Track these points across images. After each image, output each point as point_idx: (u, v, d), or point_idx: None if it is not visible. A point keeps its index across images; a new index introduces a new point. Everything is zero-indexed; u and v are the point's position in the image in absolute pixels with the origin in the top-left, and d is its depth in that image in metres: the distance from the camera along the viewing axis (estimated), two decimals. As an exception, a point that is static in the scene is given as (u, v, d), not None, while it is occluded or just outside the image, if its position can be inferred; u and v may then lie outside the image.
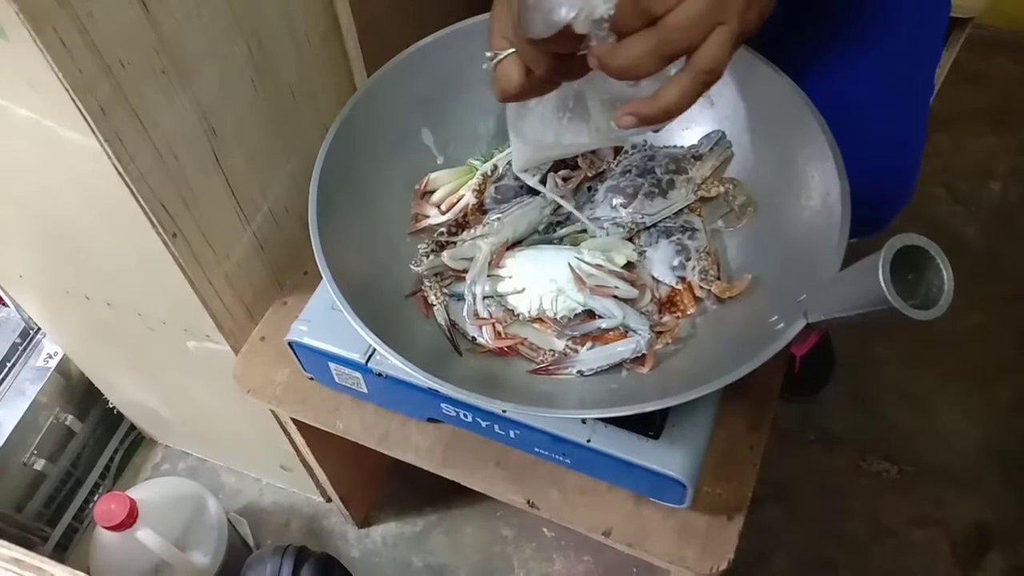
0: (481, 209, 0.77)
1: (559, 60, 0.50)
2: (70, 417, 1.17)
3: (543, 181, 0.74)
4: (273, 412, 0.91)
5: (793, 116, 0.67)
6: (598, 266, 0.69)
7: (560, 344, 0.69)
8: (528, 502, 0.73)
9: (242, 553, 1.10)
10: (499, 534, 1.21)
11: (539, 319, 0.70)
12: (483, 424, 0.71)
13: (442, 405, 0.72)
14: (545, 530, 1.20)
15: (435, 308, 0.71)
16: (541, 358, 0.68)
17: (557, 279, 0.69)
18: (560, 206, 0.74)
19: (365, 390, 0.76)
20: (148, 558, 0.98)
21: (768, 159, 0.72)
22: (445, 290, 0.72)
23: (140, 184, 0.66)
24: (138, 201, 0.67)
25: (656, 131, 0.75)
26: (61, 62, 0.55)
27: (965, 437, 1.26)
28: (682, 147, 0.77)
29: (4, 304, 1.10)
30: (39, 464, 1.13)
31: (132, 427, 1.30)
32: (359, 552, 1.21)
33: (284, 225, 0.88)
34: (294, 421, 0.89)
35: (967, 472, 1.23)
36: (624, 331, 0.68)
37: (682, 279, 0.70)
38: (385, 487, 1.24)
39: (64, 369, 1.13)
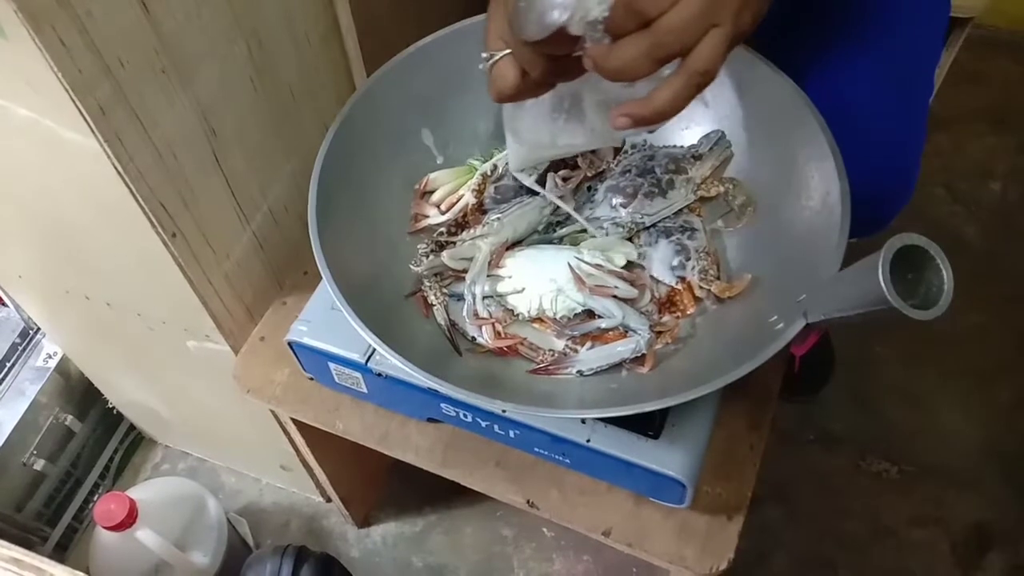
0: (481, 209, 0.77)
1: (554, 61, 0.50)
2: (70, 417, 1.17)
3: (541, 181, 0.74)
4: (273, 412, 0.91)
5: (793, 116, 0.67)
6: (598, 266, 0.69)
7: (560, 344, 0.69)
8: (528, 502, 0.73)
9: (242, 553, 1.10)
10: (499, 534, 1.21)
11: (539, 319, 0.70)
12: (483, 424, 0.71)
13: (442, 405, 0.72)
14: (545, 530, 1.20)
15: (435, 308, 0.71)
16: (541, 358, 0.68)
17: (557, 279, 0.69)
18: (560, 206, 0.74)
19: (365, 390, 0.76)
20: (148, 558, 0.98)
21: (768, 159, 0.72)
22: (445, 290, 0.72)
23: (140, 184, 0.66)
24: (137, 201, 0.67)
25: (651, 132, 0.76)
26: (60, 62, 0.55)
27: (965, 437, 1.26)
28: (682, 147, 0.77)
29: (4, 304, 1.10)
30: (39, 464, 1.13)
31: (132, 427, 1.30)
32: (359, 552, 1.21)
33: (284, 225, 0.88)
34: (294, 421, 0.89)
35: (967, 472, 1.23)
36: (624, 331, 0.68)
37: (682, 279, 0.70)
38: (385, 487, 1.24)
39: (64, 369, 1.13)
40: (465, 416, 0.71)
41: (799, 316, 0.57)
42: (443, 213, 0.77)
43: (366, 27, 0.87)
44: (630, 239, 0.74)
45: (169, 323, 0.88)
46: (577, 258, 0.70)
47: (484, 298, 0.70)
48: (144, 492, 1.02)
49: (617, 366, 0.66)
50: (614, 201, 0.73)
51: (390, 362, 0.61)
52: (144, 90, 0.64)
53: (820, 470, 1.24)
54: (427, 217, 0.77)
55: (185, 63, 0.67)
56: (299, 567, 0.98)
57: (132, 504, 0.92)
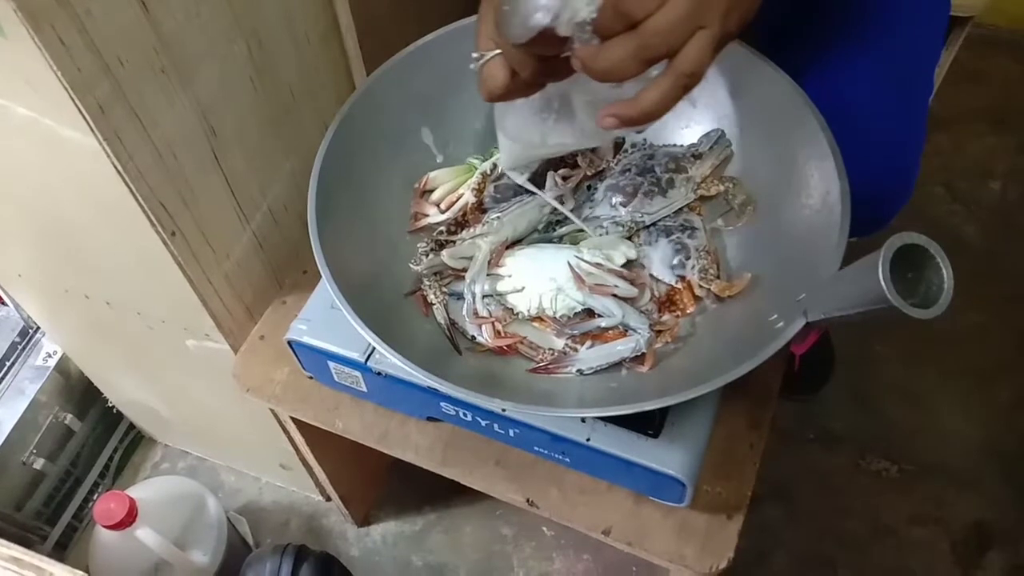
0: (480, 208, 0.77)
1: (544, 62, 0.51)
2: (69, 416, 1.17)
3: (542, 180, 0.74)
4: (272, 411, 0.91)
5: (793, 115, 0.67)
6: (597, 265, 0.69)
7: (560, 343, 0.69)
8: (528, 501, 0.73)
9: (242, 552, 1.10)
10: (499, 533, 1.21)
11: (539, 318, 0.70)
12: (483, 423, 0.71)
13: (441, 404, 0.72)
14: (545, 529, 1.20)
15: (434, 307, 0.71)
16: (541, 357, 0.68)
17: (557, 278, 0.69)
18: (562, 204, 0.74)
19: (364, 389, 0.76)
20: (148, 557, 0.98)
21: (768, 158, 0.72)
22: (444, 289, 0.72)
23: (139, 183, 0.66)
24: (137, 200, 0.67)
25: (639, 132, 0.76)
26: (60, 61, 0.55)
27: (965, 436, 1.26)
28: (682, 146, 0.77)
29: (3, 303, 1.10)
30: (38, 463, 1.13)
31: (131, 426, 1.30)
32: (359, 551, 1.21)
33: (283, 224, 0.88)
34: (293, 420, 0.89)
35: (967, 471, 1.23)
36: (624, 330, 0.68)
37: (681, 278, 0.70)
38: (385, 486, 1.24)
39: (63, 368, 1.13)
40: (465, 415, 0.71)
41: (799, 315, 0.57)
42: (443, 212, 0.77)
43: (366, 26, 0.87)
44: (630, 238, 0.74)
45: (169, 322, 0.88)
46: (577, 257, 0.70)
47: (484, 297, 0.70)
48: (144, 491, 1.02)
49: (617, 365, 0.66)
50: (614, 200, 0.73)
51: (390, 361, 0.61)
52: (144, 89, 0.64)
53: (820, 469, 1.24)
54: (427, 216, 0.77)
55: (185, 62, 0.67)
56: (299, 566, 0.98)
57: (132, 503, 0.92)
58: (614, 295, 0.68)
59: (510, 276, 0.71)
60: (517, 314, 0.70)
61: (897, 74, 0.76)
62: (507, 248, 0.73)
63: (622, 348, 0.66)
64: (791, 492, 1.21)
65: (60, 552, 1.21)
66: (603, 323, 0.68)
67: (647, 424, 0.66)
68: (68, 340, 1.10)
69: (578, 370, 0.66)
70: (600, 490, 0.72)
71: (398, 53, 0.76)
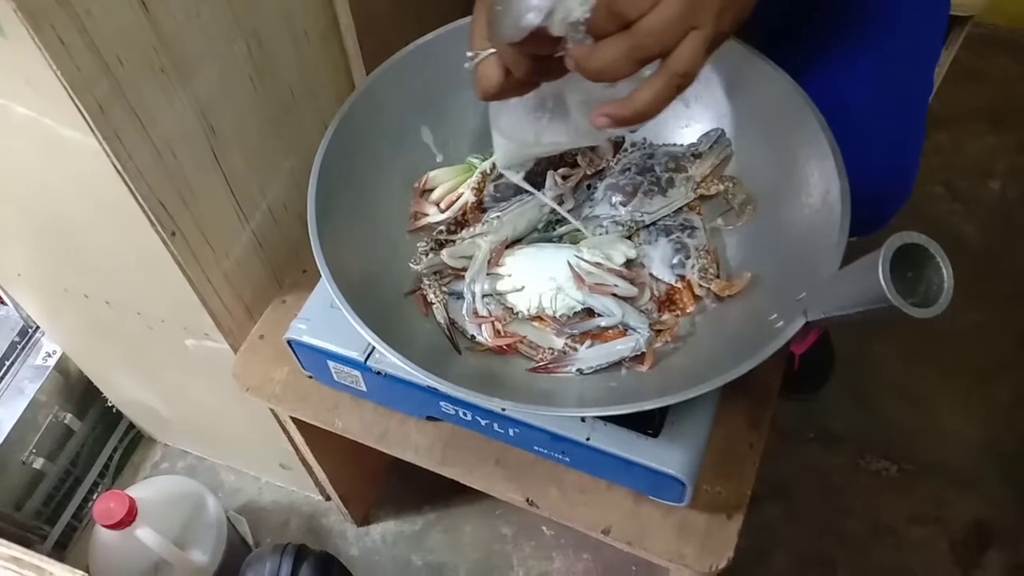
0: (480, 207, 0.77)
1: (538, 61, 0.51)
2: (69, 415, 1.17)
3: (541, 179, 0.74)
4: (272, 410, 0.91)
5: (793, 115, 0.67)
6: (597, 264, 0.69)
7: (559, 342, 0.69)
8: (527, 500, 0.73)
9: (241, 551, 1.10)
10: (498, 532, 1.21)
11: (538, 317, 0.70)
12: (482, 422, 0.71)
13: (441, 403, 0.71)
14: (544, 528, 1.20)
15: (434, 306, 0.71)
16: (540, 356, 0.68)
17: (556, 277, 0.69)
18: (561, 203, 0.74)
19: (364, 388, 0.76)
20: (147, 556, 0.98)
21: (768, 157, 0.72)
22: (444, 288, 0.72)
23: (139, 182, 0.66)
24: (137, 199, 0.67)
25: (632, 131, 0.76)
26: (59, 60, 0.55)
27: (965, 435, 1.26)
28: (682, 145, 0.77)
29: (3, 302, 1.10)
30: (38, 462, 1.13)
31: (131, 425, 1.30)
32: (358, 550, 1.21)
33: (283, 223, 0.88)
34: (293, 419, 0.89)
35: (967, 470, 1.23)
36: (623, 329, 0.68)
37: (681, 277, 0.70)
38: (384, 485, 1.24)
39: (63, 367, 1.13)
40: (464, 414, 0.71)
41: (799, 314, 0.57)
42: (443, 211, 0.77)
43: (365, 25, 0.87)
44: (630, 237, 0.73)
45: (168, 321, 0.88)
46: (577, 256, 0.70)
47: (484, 296, 0.70)
48: (143, 490, 1.02)
49: (617, 364, 0.66)
50: (614, 199, 0.73)
51: (389, 360, 0.61)
52: (143, 88, 0.64)
53: (820, 468, 1.24)
54: (427, 215, 0.77)
55: (184, 62, 0.67)
56: (298, 565, 0.98)
57: (131, 502, 0.92)
58: (614, 294, 0.68)
59: (510, 275, 0.71)
60: (517, 313, 0.70)
61: (897, 74, 0.76)
62: (507, 247, 0.73)
63: (622, 347, 0.66)
64: (791, 491, 1.21)
65: (60, 552, 1.21)
66: (603, 322, 0.68)
67: (647, 423, 0.66)
68: (68, 339, 1.10)
69: (578, 369, 0.66)
70: (600, 489, 0.72)
71: (398, 52, 0.76)
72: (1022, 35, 1.71)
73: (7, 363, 1.10)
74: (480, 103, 0.58)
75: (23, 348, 1.12)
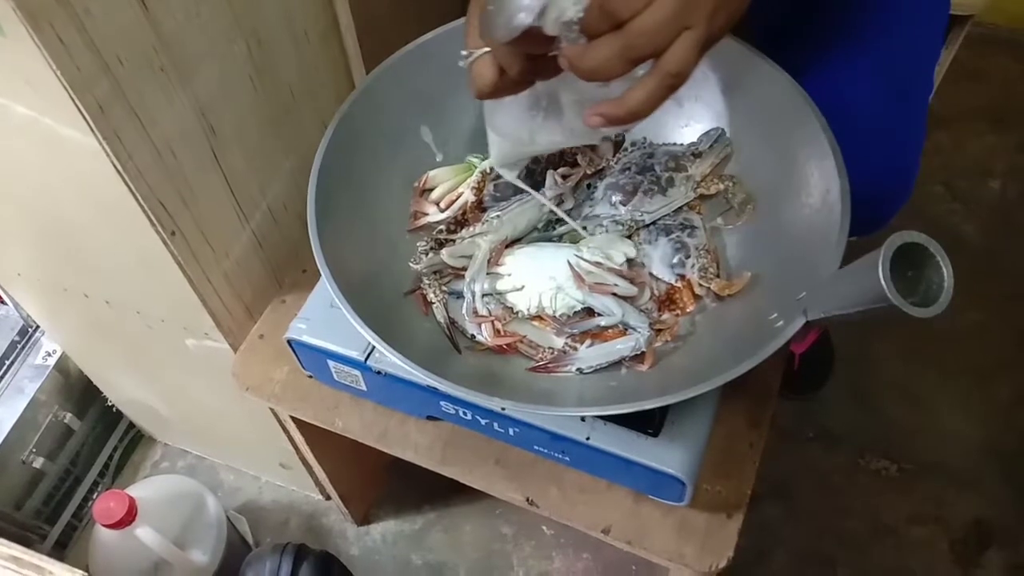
0: (480, 207, 0.77)
1: (532, 60, 0.51)
2: (69, 415, 1.17)
3: (541, 178, 0.74)
4: (272, 410, 0.91)
5: (793, 114, 0.67)
6: (597, 264, 0.69)
7: (559, 342, 0.69)
8: (527, 500, 0.73)
9: (241, 551, 1.10)
10: (498, 532, 1.21)
11: (538, 317, 0.70)
12: (482, 422, 0.71)
13: (441, 403, 0.72)
14: (544, 528, 1.20)
15: (434, 306, 0.71)
16: (540, 356, 0.68)
17: (556, 277, 0.69)
18: (561, 203, 0.74)
19: (364, 388, 0.76)
20: (147, 556, 0.98)
21: (768, 157, 0.72)
22: (444, 288, 0.72)
23: (139, 182, 0.66)
24: (137, 199, 0.67)
25: (626, 131, 0.76)
26: (59, 60, 0.55)
27: (965, 435, 1.26)
28: (682, 144, 0.77)
29: (3, 302, 1.10)
30: (38, 462, 1.13)
31: (131, 425, 1.30)
32: (358, 550, 1.21)
33: (283, 223, 0.88)
34: (293, 419, 0.89)
35: (966, 470, 1.23)
36: (623, 329, 0.68)
37: (681, 277, 0.70)
38: (384, 485, 1.24)
39: (63, 367, 1.13)
40: (464, 414, 0.71)
41: (799, 314, 0.57)
42: (442, 211, 0.77)
43: (365, 25, 0.87)
44: (629, 236, 0.73)
45: (168, 321, 0.88)
46: (577, 256, 0.70)
47: (483, 296, 0.70)
48: (143, 490, 1.02)
49: (617, 364, 0.66)
50: (614, 199, 0.73)
51: (389, 360, 0.61)
52: (143, 88, 0.63)
53: (820, 468, 1.24)
54: (426, 215, 0.77)
55: (184, 61, 0.67)
56: (298, 565, 0.98)
57: (131, 502, 0.92)
58: (614, 294, 0.68)
59: (510, 275, 0.71)
60: (517, 313, 0.70)
61: (897, 73, 0.76)
62: (507, 247, 0.73)
63: (622, 347, 0.66)
64: (791, 491, 1.21)
65: (60, 551, 1.21)
66: (603, 322, 0.68)
67: (647, 423, 0.66)
68: (67, 339, 1.10)
69: (578, 369, 0.66)
70: (600, 489, 0.72)
71: (397, 52, 0.76)
72: (1022, 35, 1.71)
73: (7, 362, 1.10)
74: (479, 102, 0.58)
75: (23, 347, 1.12)
